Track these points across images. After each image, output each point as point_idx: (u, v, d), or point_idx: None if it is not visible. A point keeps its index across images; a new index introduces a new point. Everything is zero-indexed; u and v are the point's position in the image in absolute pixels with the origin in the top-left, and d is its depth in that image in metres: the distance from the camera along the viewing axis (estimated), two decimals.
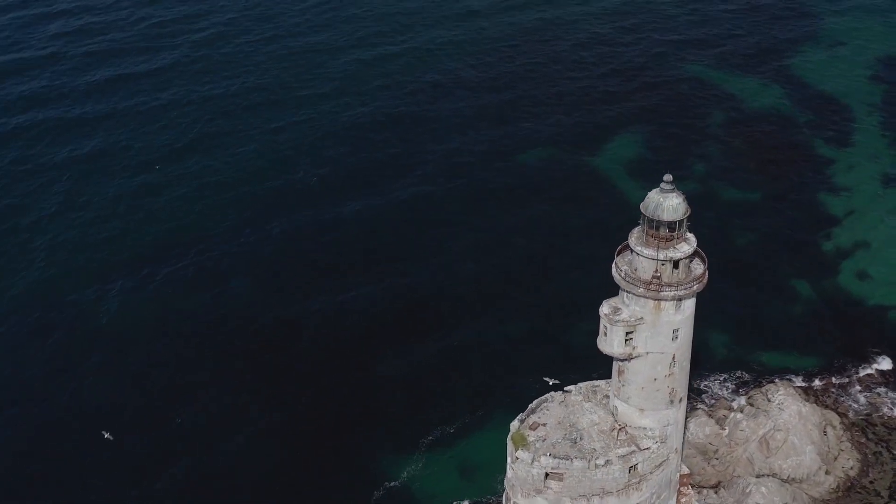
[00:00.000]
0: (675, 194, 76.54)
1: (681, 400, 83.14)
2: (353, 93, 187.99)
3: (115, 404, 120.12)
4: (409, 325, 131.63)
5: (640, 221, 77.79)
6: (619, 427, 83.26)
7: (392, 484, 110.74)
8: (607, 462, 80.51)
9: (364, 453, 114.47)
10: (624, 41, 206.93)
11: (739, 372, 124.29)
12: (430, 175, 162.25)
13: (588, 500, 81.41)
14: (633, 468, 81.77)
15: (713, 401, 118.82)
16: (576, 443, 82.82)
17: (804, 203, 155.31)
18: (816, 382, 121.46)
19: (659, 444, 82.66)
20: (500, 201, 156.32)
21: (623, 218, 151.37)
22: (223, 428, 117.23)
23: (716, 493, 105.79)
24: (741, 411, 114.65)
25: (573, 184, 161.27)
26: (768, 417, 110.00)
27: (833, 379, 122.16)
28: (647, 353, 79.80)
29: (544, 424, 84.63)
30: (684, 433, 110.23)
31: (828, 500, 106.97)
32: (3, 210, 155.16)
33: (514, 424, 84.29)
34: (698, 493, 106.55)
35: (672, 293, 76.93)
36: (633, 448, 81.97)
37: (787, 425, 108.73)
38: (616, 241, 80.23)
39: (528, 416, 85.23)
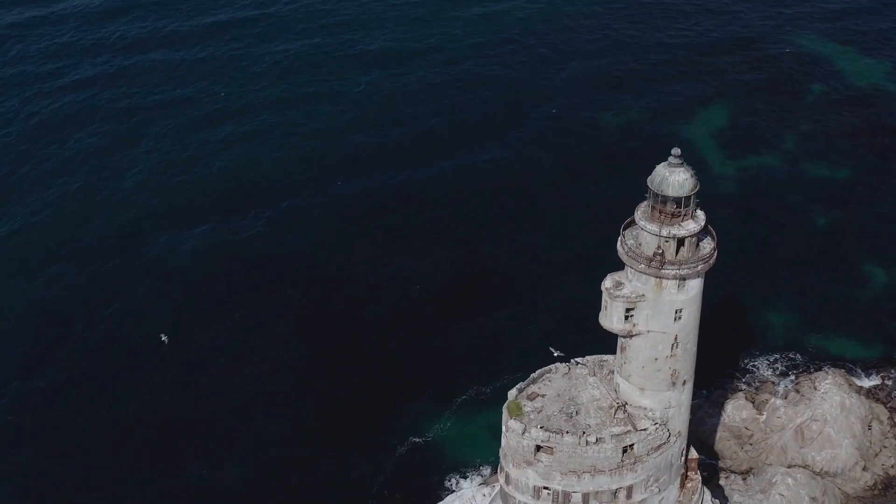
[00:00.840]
0: (682, 169, 73.21)
1: (684, 382, 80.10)
2: (450, 50, 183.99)
3: (178, 327, 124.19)
4: (465, 291, 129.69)
5: (647, 195, 74.73)
6: (617, 405, 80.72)
7: (417, 440, 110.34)
8: (599, 440, 78.20)
9: (398, 408, 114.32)
10: (733, 10, 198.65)
11: (794, 355, 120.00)
12: (514, 142, 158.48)
13: (579, 476, 79.38)
14: (628, 448, 79.27)
15: (758, 383, 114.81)
16: (571, 417, 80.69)
17: (892, 192, 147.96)
18: (872, 375, 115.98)
19: (658, 426, 79.86)
20: (584, 170, 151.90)
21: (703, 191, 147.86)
22: (271, 368, 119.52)
23: (744, 479, 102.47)
24: (785, 397, 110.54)
25: (659, 153, 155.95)
26: (808, 406, 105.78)
27: (891, 372, 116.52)
28: (648, 331, 76.97)
29: (543, 395, 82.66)
30: (721, 416, 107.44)
31: (863, 497, 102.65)
32: (93, 146, 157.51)
33: (512, 393, 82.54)
34: (726, 477, 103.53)
35: (674, 272, 73.85)
36: (629, 428, 79.43)
37: (826, 416, 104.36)
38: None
39: (527, 385, 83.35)
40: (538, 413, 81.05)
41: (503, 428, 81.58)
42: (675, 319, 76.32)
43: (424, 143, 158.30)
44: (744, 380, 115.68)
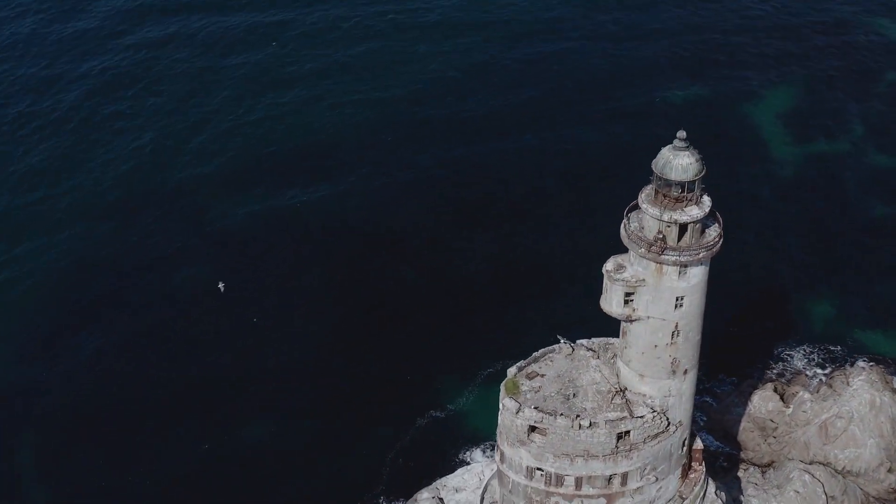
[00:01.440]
0: (687, 153, 70.89)
1: (685, 371, 77.97)
2: (520, 23, 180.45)
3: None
4: (503, 270, 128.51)
5: (651, 177, 72.68)
6: (616, 390, 79.09)
7: (437, 414, 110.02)
8: (593, 424, 76.66)
9: (422, 380, 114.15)
10: None
11: (833, 347, 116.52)
12: (573, 123, 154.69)
13: (571, 459, 77.96)
14: (623, 435, 77.61)
15: (791, 374, 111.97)
16: (568, 399, 79.23)
17: None
18: None
19: (656, 414, 78.03)
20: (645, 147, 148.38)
21: (760, 169, 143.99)
22: (309, 330, 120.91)
23: (762, 473, 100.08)
24: (817, 391, 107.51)
25: (724, 132, 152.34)
26: (836, 402, 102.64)
27: None
28: (648, 317, 75.04)
29: (542, 375, 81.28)
30: (747, 406, 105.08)
31: (886, 499, 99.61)
32: (161, 105, 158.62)
33: (511, 370, 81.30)
34: (745, 469, 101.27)
35: (674, 258, 71.75)
36: (625, 415, 77.72)
37: (853, 413, 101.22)
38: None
39: (528, 364, 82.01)
40: (535, 393, 79.76)
41: (500, 406, 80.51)
42: (675, 307, 74.25)
43: (487, 120, 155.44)
44: (776, 370, 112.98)
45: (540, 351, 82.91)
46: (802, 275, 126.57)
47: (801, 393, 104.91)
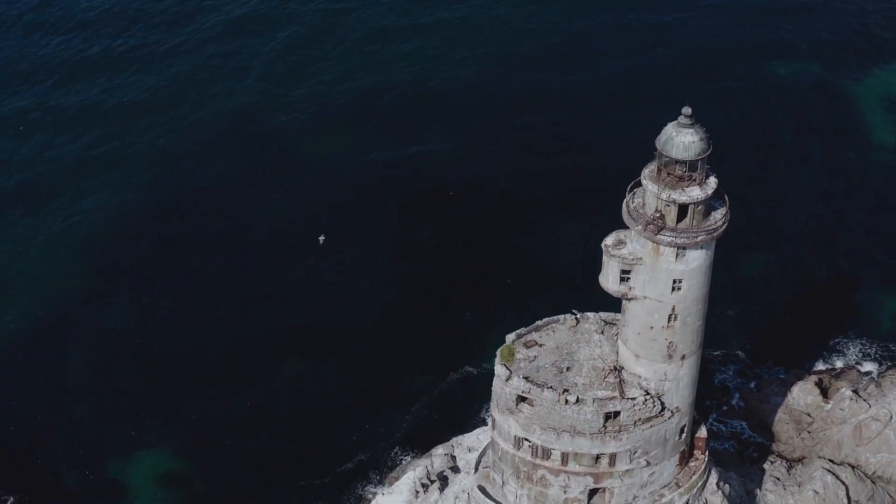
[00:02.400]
0: (692, 131, 67.36)
1: (683, 357, 74.89)
2: None
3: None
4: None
5: (655, 153, 69.57)
6: (611, 368, 76.67)
7: (471, 370, 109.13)
8: (580, 401, 74.58)
9: (462, 336, 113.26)
10: None
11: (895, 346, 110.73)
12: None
13: (558, 434, 76.08)
14: (612, 415, 75.31)
15: (841, 368, 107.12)
16: (562, 372, 77.17)
17: None
18: None
19: (649, 397, 75.41)
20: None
21: (853, 150, 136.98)
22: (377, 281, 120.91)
23: (788, 468, 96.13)
24: (865, 389, 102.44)
25: (831, 111, 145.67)
26: (875, 403, 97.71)
27: None
28: (645, 297, 72.27)
29: (541, 345, 79.33)
30: (786, 397, 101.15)
31: None
32: (273, 48, 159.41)
33: (510, 337, 79.54)
34: (772, 462, 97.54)
35: (670, 238, 68.71)
36: (615, 395, 75.31)
37: (891, 416, 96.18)
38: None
39: (529, 332, 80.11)
40: (529, 362, 77.94)
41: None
42: (672, 289, 71.23)
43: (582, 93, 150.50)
44: (827, 362, 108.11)
45: (544, 320, 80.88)
46: (876, 267, 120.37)
47: (843, 389, 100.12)
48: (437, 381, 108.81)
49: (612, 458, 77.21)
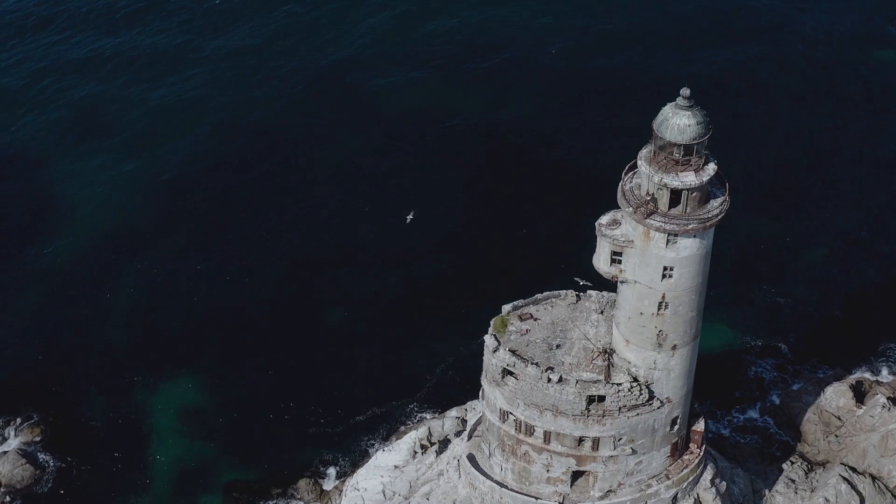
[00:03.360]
0: (689, 113, 64.27)
1: (674, 347, 72.17)
2: None
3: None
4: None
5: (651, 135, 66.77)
6: (601, 350, 74.46)
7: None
8: (562, 380, 72.72)
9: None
10: None
11: None
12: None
13: (541, 411, 74.51)
14: (596, 399, 73.24)
15: (882, 370, 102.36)
16: (552, 349, 75.39)
17: None
18: None
19: (636, 385, 73.04)
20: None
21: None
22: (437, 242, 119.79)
23: (807, 472, 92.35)
24: None
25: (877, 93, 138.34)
26: None
27: None
28: (635, 282, 69.80)
29: (536, 320, 77.57)
30: (819, 397, 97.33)
31: None
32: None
33: (506, 308, 77.93)
34: (792, 464, 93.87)
35: (658, 224, 66.02)
36: (599, 378, 73.18)
37: None
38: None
39: (526, 304, 78.36)
40: (521, 336, 76.34)
41: None
42: (663, 277, 68.60)
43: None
44: (872, 368, 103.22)
45: (544, 294, 79.14)
46: None
47: (878, 396, 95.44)
48: (467, 342, 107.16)
49: (596, 443, 75.33)
